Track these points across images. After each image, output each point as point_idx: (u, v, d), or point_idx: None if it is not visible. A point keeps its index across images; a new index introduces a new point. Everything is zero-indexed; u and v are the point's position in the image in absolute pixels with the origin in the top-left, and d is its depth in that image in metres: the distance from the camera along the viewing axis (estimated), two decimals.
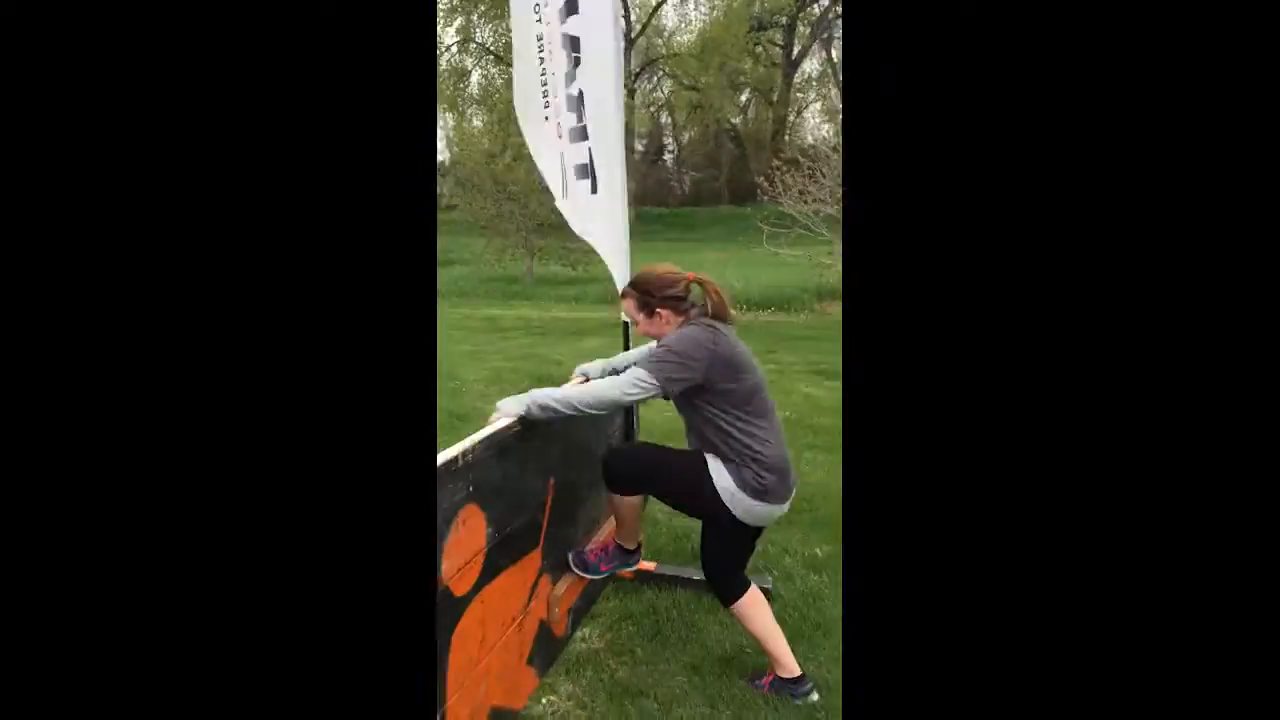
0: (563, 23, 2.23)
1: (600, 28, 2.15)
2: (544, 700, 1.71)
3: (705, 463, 1.74)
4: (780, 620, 1.85)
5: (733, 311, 1.83)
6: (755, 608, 1.80)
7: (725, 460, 1.71)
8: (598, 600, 2.11)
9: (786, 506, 1.77)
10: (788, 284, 9.07)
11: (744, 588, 1.81)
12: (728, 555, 1.81)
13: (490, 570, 1.41)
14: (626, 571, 2.05)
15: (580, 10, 2.18)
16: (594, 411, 1.60)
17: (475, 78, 21.18)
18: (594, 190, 2.32)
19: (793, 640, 1.84)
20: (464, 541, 1.31)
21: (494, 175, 10.83)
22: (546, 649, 1.74)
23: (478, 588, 1.36)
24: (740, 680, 1.81)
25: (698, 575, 2.21)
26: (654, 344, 1.83)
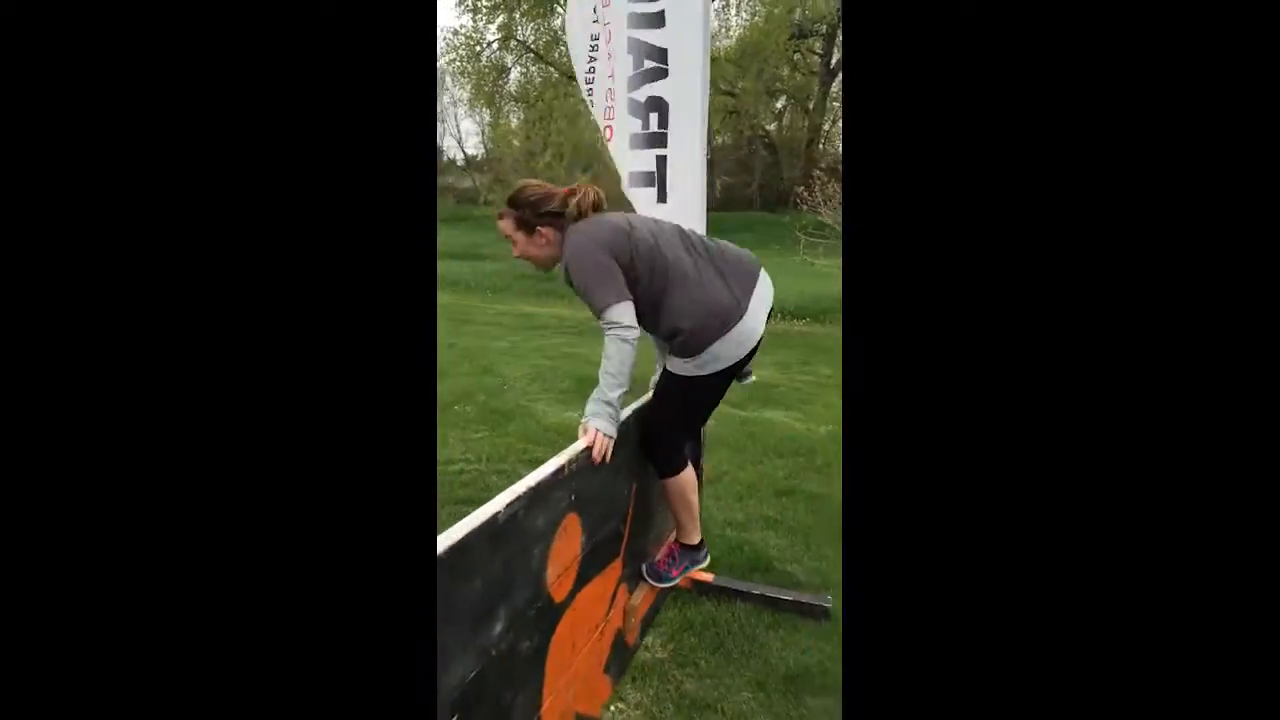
0: (632, 28, 2.24)
1: (690, 40, 2.17)
2: (612, 708, 1.73)
3: (664, 369, 1.78)
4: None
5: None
6: (690, 483, 1.87)
7: (666, 349, 1.74)
8: (660, 609, 2.13)
9: (745, 321, 1.68)
10: (823, 294, 9.03)
11: (684, 463, 1.85)
12: (677, 419, 1.83)
13: (582, 578, 1.43)
14: (685, 580, 2.06)
15: (668, 23, 2.20)
16: (623, 377, 1.58)
17: (514, 75, 21.28)
18: (661, 199, 2.34)
19: None
20: (563, 550, 1.32)
21: (533, 173, 10.90)
22: (620, 657, 1.76)
23: (572, 595, 1.38)
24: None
25: (757, 589, 2.22)
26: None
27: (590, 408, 1.56)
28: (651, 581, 1.92)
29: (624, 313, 1.59)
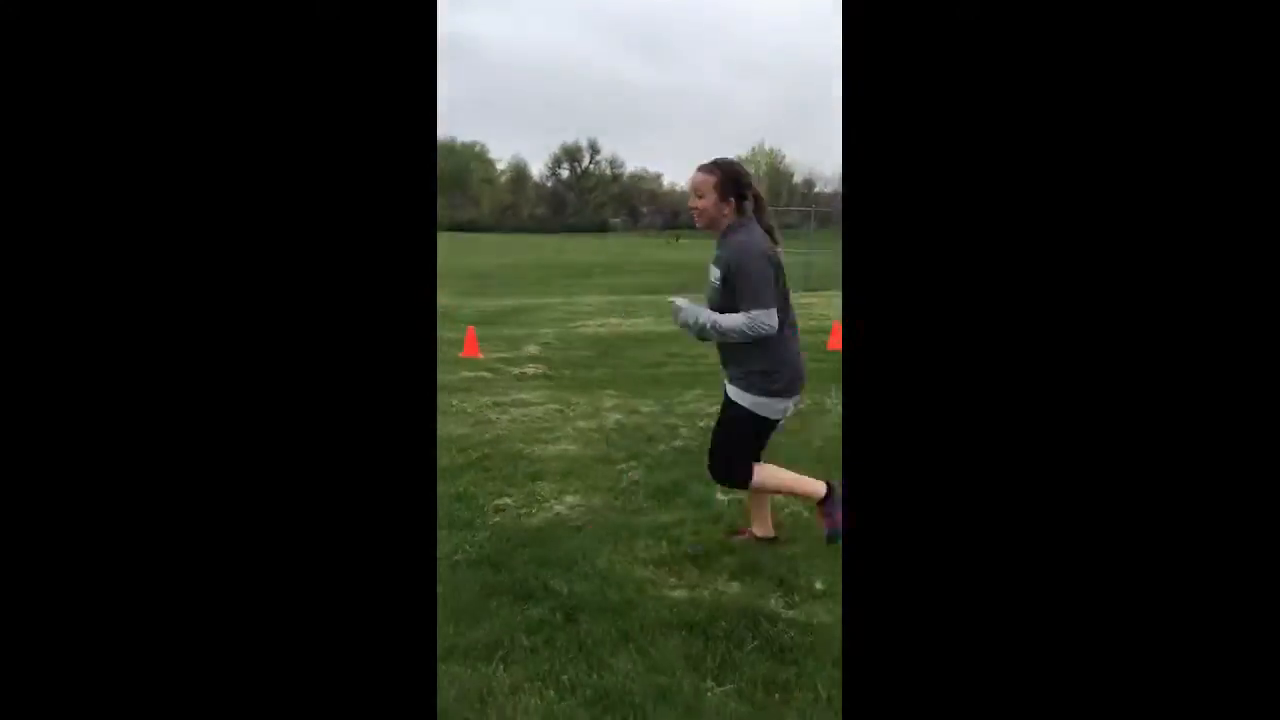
0: None
1: None
2: None
3: (728, 395, 2.17)
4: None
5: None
6: (768, 473, 2.24)
7: (744, 375, 2.13)
8: None
9: (793, 400, 2.20)
10: None
11: (751, 471, 2.20)
12: (742, 448, 2.19)
13: None
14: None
15: None
16: (734, 336, 2.06)
17: None
18: None
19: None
20: None
21: None
22: None
23: None
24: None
25: None
26: (719, 266, 2.13)
27: (694, 306, 2.10)
28: (839, 541, 2.23)
29: (772, 317, 2.04)
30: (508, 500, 2.85)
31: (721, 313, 2.11)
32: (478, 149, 73.55)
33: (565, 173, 74.67)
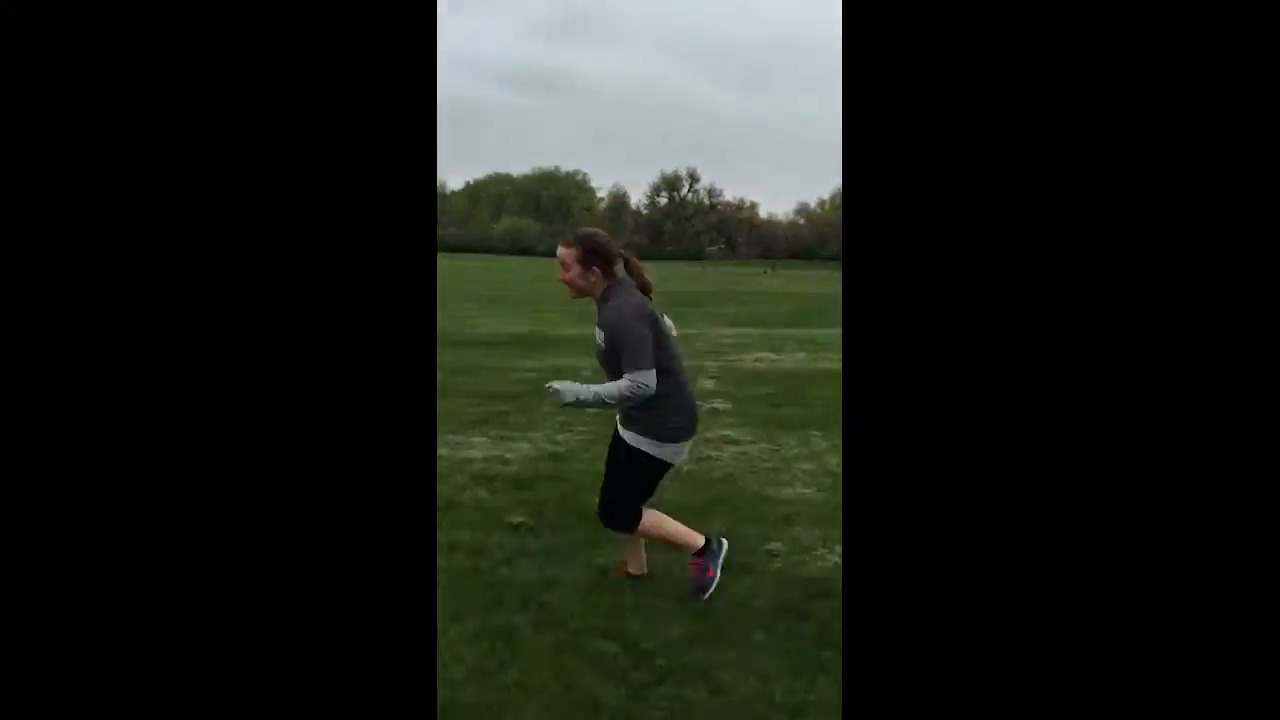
0: None
1: None
2: None
3: (622, 438, 2.26)
4: None
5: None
6: (655, 519, 2.33)
7: (636, 420, 2.21)
8: None
9: (689, 441, 2.32)
10: None
11: (640, 515, 2.31)
12: (634, 492, 2.29)
13: None
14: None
15: None
16: (614, 402, 2.15)
17: None
18: None
19: None
20: None
21: None
22: None
23: None
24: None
25: None
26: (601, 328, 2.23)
27: (572, 384, 2.15)
28: (703, 597, 2.31)
29: (651, 378, 2.11)
30: (778, 545, 2.82)
31: (613, 372, 2.21)
32: (579, 178, 75.62)
33: (664, 201, 75.62)
